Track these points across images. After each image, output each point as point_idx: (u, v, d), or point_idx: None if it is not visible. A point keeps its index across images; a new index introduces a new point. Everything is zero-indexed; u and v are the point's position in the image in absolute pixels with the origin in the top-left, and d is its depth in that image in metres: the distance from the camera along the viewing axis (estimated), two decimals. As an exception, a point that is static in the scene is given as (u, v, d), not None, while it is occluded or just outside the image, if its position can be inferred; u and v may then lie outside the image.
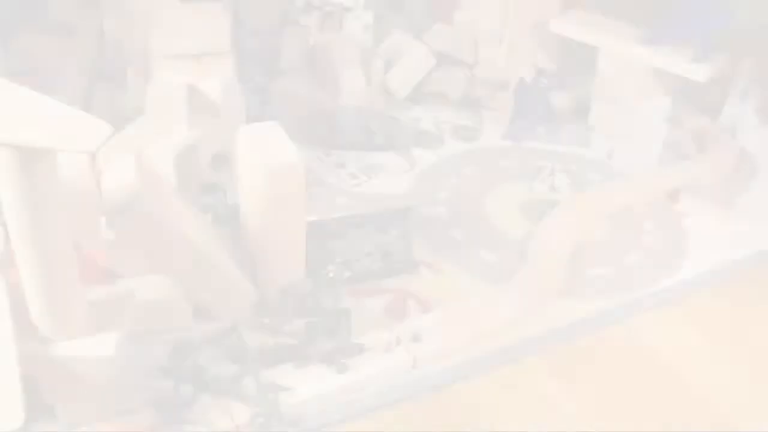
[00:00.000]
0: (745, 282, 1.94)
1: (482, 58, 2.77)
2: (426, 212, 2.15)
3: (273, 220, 1.61)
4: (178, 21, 1.99)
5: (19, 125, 1.18)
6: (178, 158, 1.79)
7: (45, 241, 1.28)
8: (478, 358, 1.63)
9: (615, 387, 1.59)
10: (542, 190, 2.27)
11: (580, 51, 2.53)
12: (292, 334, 1.66)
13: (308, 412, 1.49)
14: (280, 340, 1.63)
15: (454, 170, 2.36)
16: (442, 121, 2.62)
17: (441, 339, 1.64)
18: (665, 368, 1.64)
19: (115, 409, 1.43)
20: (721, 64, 2.30)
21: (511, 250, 2.02)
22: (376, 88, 2.59)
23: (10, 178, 1.21)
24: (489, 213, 2.17)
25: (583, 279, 1.90)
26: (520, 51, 2.68)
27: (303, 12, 2.64)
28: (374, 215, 1.84)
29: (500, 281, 1.88)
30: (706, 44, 2.26)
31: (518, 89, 2.54)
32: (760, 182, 2.29)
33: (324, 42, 2.56)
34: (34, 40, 2.31)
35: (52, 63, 2.24)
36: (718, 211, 2.18)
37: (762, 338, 1.77)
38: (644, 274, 1.93)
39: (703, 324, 1.78)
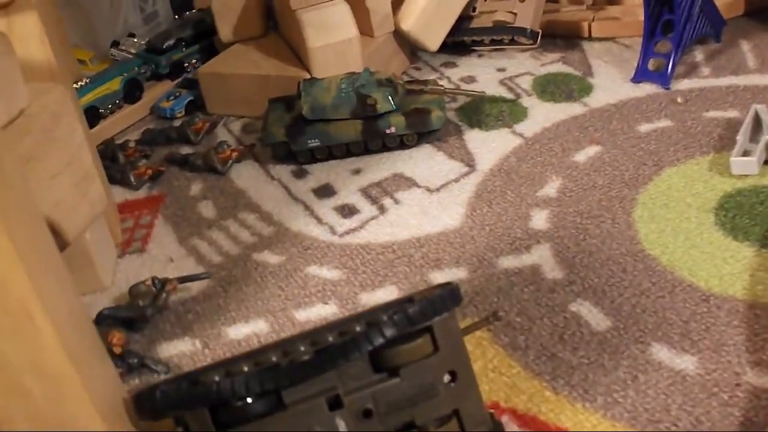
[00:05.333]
0: None
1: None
2: (513, 267, 0.95)
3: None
4: None
5: None
6: None
7: None
8: None
9: None
10: (755, 170, 1.05)
11: None
12: None
13: None
14: None
15: (556, 162, 1.15)
16: (513, 74, 1.42)
17: None
18: None
19: None
20: None
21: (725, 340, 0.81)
22: (382, 38, 1.42)
23: None
24: (646, 242, 0.96)
25: None
26: None
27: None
28: (382, 312, 0.66)
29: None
30: None
31: (647, -12, 1.32)
32: None
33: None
34: None
35: None
36: None
37: None
38: None
39: None
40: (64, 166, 0.92)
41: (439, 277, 0.95)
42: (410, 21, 1.39)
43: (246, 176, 1.23)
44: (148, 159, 1.30)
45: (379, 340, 0.65)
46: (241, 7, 1.47)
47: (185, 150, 1.32)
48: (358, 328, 0.67)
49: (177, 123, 1.40)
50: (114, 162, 1.30)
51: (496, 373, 0.82)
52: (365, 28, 1.37)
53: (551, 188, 1.09)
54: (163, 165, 1.28)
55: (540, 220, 1.03)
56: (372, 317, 0.68)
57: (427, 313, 0.67)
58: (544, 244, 0.99)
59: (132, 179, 1.23)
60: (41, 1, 1.13)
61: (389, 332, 0.65)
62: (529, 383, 0.80)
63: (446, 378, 0.69)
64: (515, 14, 1.47)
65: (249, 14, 1.48)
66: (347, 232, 1.06)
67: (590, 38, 1.52)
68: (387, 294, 0.94)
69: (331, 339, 0.67)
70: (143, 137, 1.38)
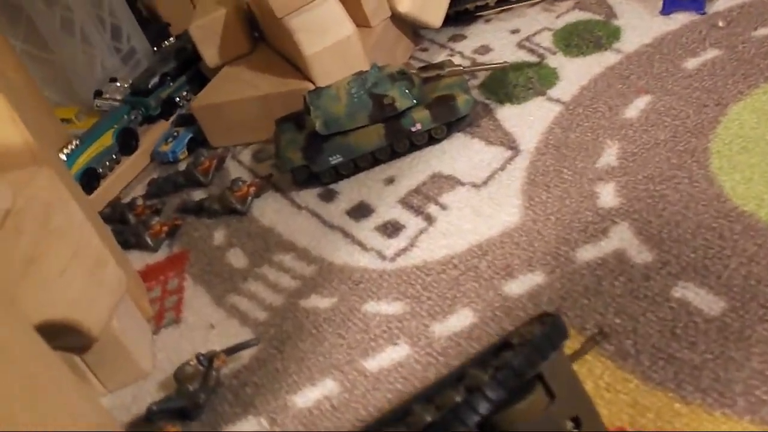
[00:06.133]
0: None
1: None
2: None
3: None
4: None
5: None
6: None
7: None
8: None
9: None
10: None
11: None
12: None
13: None
14: None
15: (606, 123, 1.03)
16: (529, 33, 1.29)
17: None
18: None
19: None
20: None
21: None
22: (380, 26, 1.29)
23: None
24: (736, 197, 0.84)
25: None
26: None
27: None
28: (479, 368, 0.55)
29: None
30: None
31: None
32: None
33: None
34: None
35: None
36: None
37: None
38: None
39: None
40: (70, 257, 0.82)
41: (514, 288, 0.84)
42: (407, 2, 1.26)
43: (270, 211, 1.11)
44: (160, 214, 1.19)
45: (486, 408, 0.54)
46: (221, 27, 1.35)
47: (198, 194, 1.21)
48: (457, 398, 0.55)
49: (182, 166, 1.29)
50: (125, 224, 1.19)
51: (611, 392, 0.70)
52: (360, 20, 1.24)
53: (610, 156, 0.97)
54: (178, 217, 1.16)
55: (608, 195, 0.91)
56: (471, 379, 0.57)
57: (534, 360, 0.56)
58: (621, 223, 0.87)
59: (148, 240, 1.12)
60: (3, 76, 1.02)
61: (496, 395, 0.54)
62: (653, 397, 0.69)
63: (569, 424, 0.58)
64: (516, -32, 1.34)
65: (231, 32, 1.36)
66: (398, 254, 0.94)
67: (600, -25, 1.38)
68: (461, 320, 0.82)
69: (428, 417, 0.55)
70: (150, 190, 1.27)
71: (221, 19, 1.35)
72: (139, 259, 1.12)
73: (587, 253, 0.85)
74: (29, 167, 0.86)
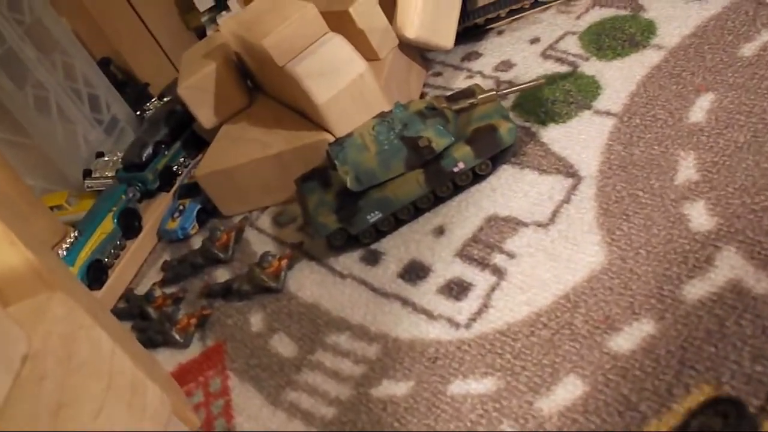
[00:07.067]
0: None
1: None
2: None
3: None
4: None
5: None
6: None
7: None
8: None
9: None
10: None
11: None
12: None
13: None
14: None
15: (672, 132, 0.92)
16: (551, 41, 1.17)
17: None
18: None
19: None
20: None
21: None
22: (389, 57, 1.18)
23: None
24: None
25: None
26: None
27: None
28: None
29: None
30: None
31: None
32: None
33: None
34: None
35: None
36: None
37: None
38: None
39: None
40: (104, 392, 0.69)
41: (621, 342, 0.72)
42: (415, 26, 1.15)
43: (309, 284, 0.99)
44: (182, 302, 1.07)
45: None
46: (212, 84, 1.23)
47: (221, 274, 1.09)
48: None
49: (196, 243, 1.17)
50: (145, 319, 1.06)
51: (781, 461, 0.59)
52: (367, 53, 1.13)
53: (688, 169, 0.85)
54: (206, 305, 1.04)
55: (700, 216, 0.80)
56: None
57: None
58: (725, 248, 0.75)
59: (177, 337, 1.00)
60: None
61: None
62: (835, 461, 0.57)
63: None
64: (523, -29, 1.23)
65: (224, 88, 1.24)
66: (473, 319, 0.82)
67: (608, -35, 1.27)
68: (570, 390, 0.71)
69: None
70: (166, 275, 1.14)
71: (211, 75, 1.23)
72: (170, 359, 1.00)
73: (696, 290, 0.73)
74: (38, 294, 0.73)
